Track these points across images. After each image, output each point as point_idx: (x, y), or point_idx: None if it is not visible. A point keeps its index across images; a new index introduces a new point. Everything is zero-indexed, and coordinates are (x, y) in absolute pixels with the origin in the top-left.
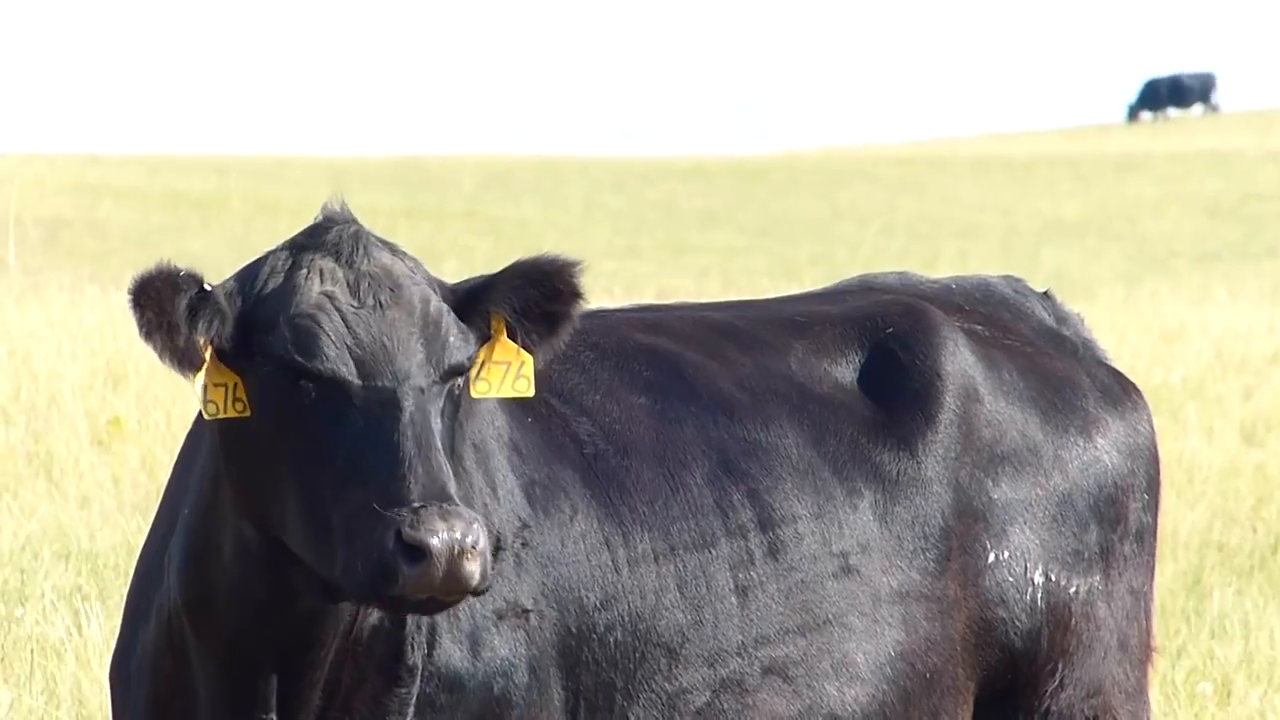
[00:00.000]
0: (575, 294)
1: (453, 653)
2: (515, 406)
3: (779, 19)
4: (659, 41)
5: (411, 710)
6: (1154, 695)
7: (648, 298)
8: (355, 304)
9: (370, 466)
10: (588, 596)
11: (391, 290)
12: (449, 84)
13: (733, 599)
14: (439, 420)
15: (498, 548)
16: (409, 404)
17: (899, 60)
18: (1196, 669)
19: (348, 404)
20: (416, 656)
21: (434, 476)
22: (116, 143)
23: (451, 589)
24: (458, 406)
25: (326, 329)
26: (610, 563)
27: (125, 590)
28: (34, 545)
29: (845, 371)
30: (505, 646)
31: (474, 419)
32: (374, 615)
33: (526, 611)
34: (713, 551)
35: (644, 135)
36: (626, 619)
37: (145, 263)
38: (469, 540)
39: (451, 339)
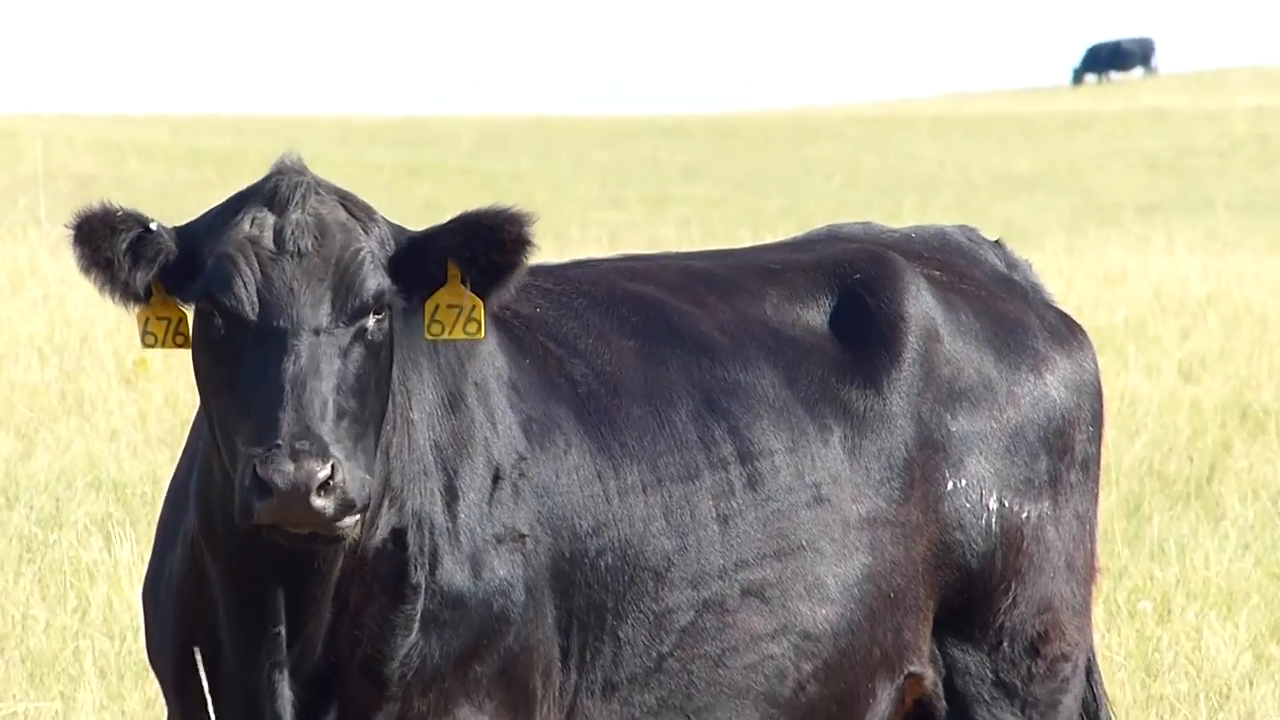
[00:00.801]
0: (521, 243)
1: (455, 573)
2: (514, 349)
3: None
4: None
5: (417, 625)
6: (1098, 612)
7: (633, 247)
8: (274, 250)
9: (252, 403)
10: (580, 524)
11: (316, 238)
12: (450, 46)
13: (714, 526)
14: (338, 360)
15: (495, 478)
16: (299, 347)
17: (864, 24)
18: (1137, 588)
19: (247, 341)
20: (420, 576)
21: (302, 417)
22: (141, 103)
23: (302, 521)
24: (379, 348)
25: (241, 269)
26: (601, 493)
27: (152, 517)
28: (67, 475)
29: (816, 315)
30: (504, 568)
31: (475, 360)
32: (378, 537)
33: (523, 536)
34: (696, 483)
35: (630, 91)
36: (616, 545)
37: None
38: (319, 478)
39: (366, 282)
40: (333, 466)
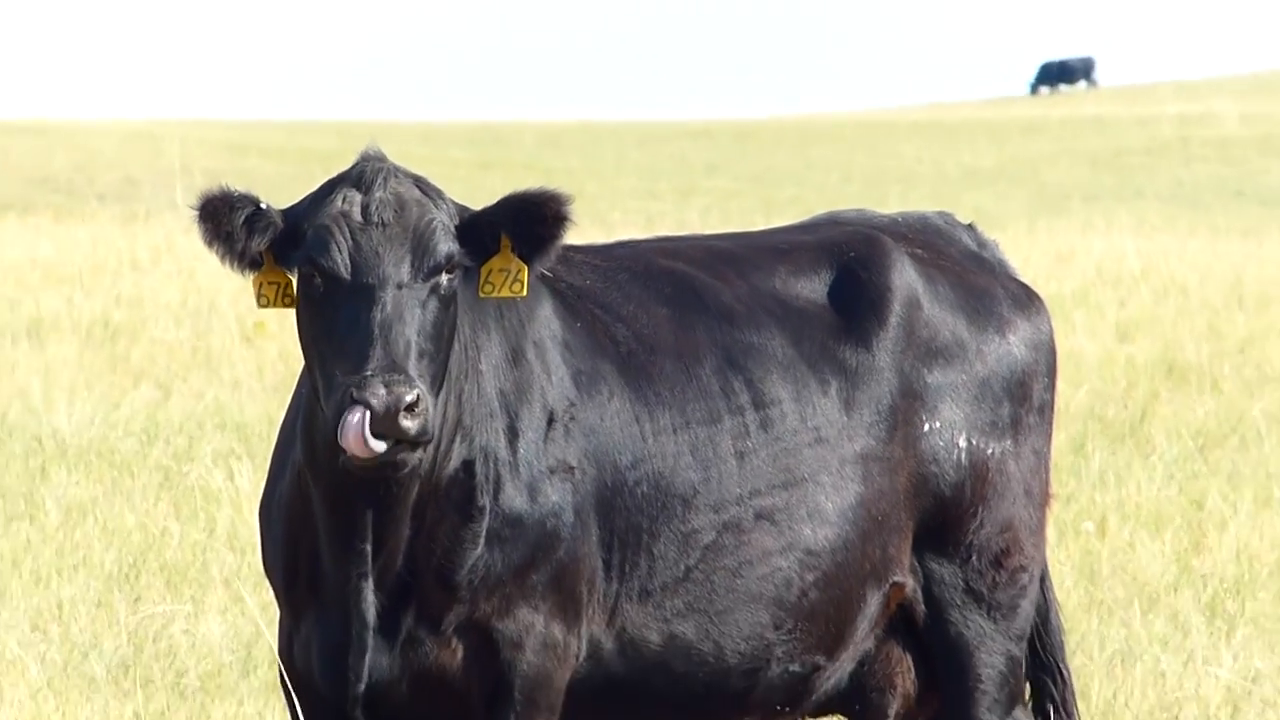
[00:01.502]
0: (561, 219)
1: (515, 498)
2: (567, 314)
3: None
4: (675, 16)
5: (482, 541)
6: (1049, 531)
7: (665, 230)
8: (362, 221)
9: (347, 344)
10: (620, 458)
11: (395, 211)
12: (514, 58)
13: (732, 461)
14: (418, 310)
15: (550, 420)
16: (384, 299)
17: (860, 44)
18: (1082, 511)
19: (341, 296)
20: (485, 500)
21: (389, 353)
22: (259, 109)
23: (398, 436)
24: (450, 301)
25: (335, 238)
26: (638, 433)
27: (267, 452)
28: (198, 418)
29: (817, 287)
30: (556, 494)
31: (534, 323)
32: (450, 466)
33: (572, 469)
34: (717, 426)
35: (663, 97)
36: (650, 476)
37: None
38: (407, 400)
39: (438, 246)
40: (418, 393)
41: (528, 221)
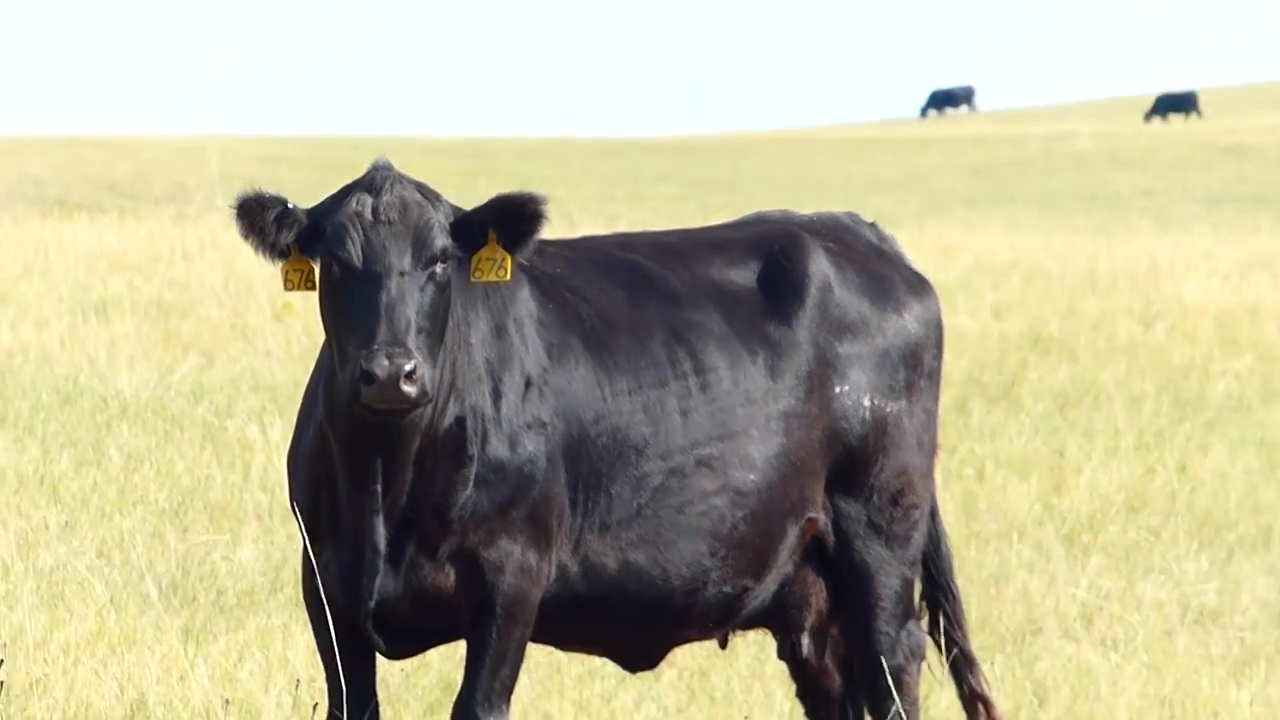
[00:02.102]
0: (537, 215)
1: (498, 448)
2: (542, 297)
3: (713, 30)
4: (631, 50)
5: (471, 484)
6: (937, 475)
7: (621, 228)
8: (372, 220)
9: (359, 322)
10: (585, 416)
11: (400, 212)
12: (498, 84)
13: (677, 418)
14: (418, 294)
15: (527, 384)
16: (390, 284)
17: (780, 71)
18: (963, 459)
19: (354, 281)
20: (474, 449)
21: (393, 330)
22: (286, 126)
23: (394, 400)
24: (445, 286)
25: (350, 233)
26: (600, 395)
27: (294, 410)
28: (236, 381)
29: (747, 274)
30: (532, 445)
31: (515, 304)
32: (445, 422)
33: (545, 424)
34: (665, 388)
35: (622, 118)
36: (610, 430)
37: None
38: (406, 369)
39: (435, 241)
40: (415, 364)
41: (511, 218)
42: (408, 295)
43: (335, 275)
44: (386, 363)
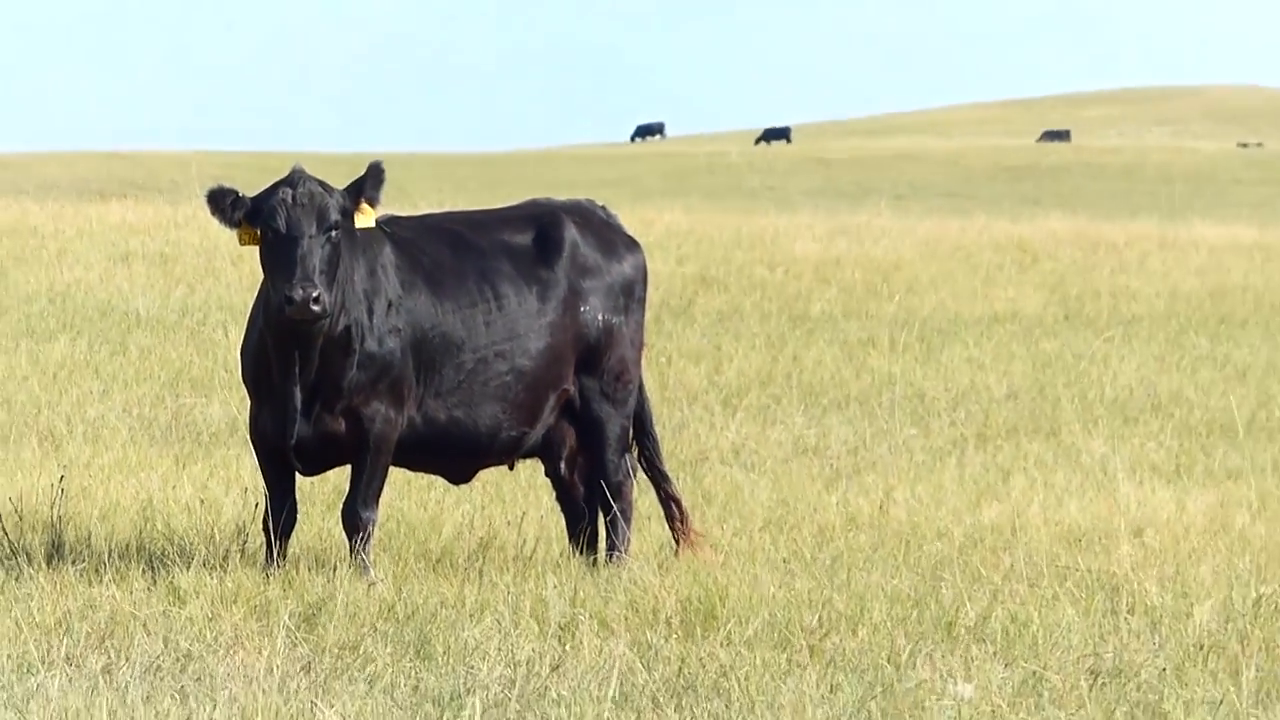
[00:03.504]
0: (380, 181)
1: (371, 344)
2: (398, 251)
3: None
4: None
5: (355, 366)
6: (643, 363)
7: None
8: (292, 203)
9: (284, 266)
10: (425, 325)
11: (309, 198)
12: (379, 107)
13: (483, 327)
14: (319, 249)
15: (389, 305)
16: (303, 243)
17: (543, 102)
18: (659, 352)
19: (281, 241)
20: (356, 345)
21: (306, 272)
22: (241, 144)
23: (306, 315)
24: (337, 245)
25: (278, 211)
26: (435, 312)
27: (246, 320)
28: (208, 303)
29: (526, 238)
30: (392, 343)
31: (382, 255)
32: (339, 328)
33: (400, 330)
34: (475, 308)
35: (456, 139)
36: (440, 334)
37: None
38: (313, 296)
39: (330, 215)
40: (319, 293)
41: (370, 190)
42: (314, 250)
43: (270, 238)
44: (301, 292)
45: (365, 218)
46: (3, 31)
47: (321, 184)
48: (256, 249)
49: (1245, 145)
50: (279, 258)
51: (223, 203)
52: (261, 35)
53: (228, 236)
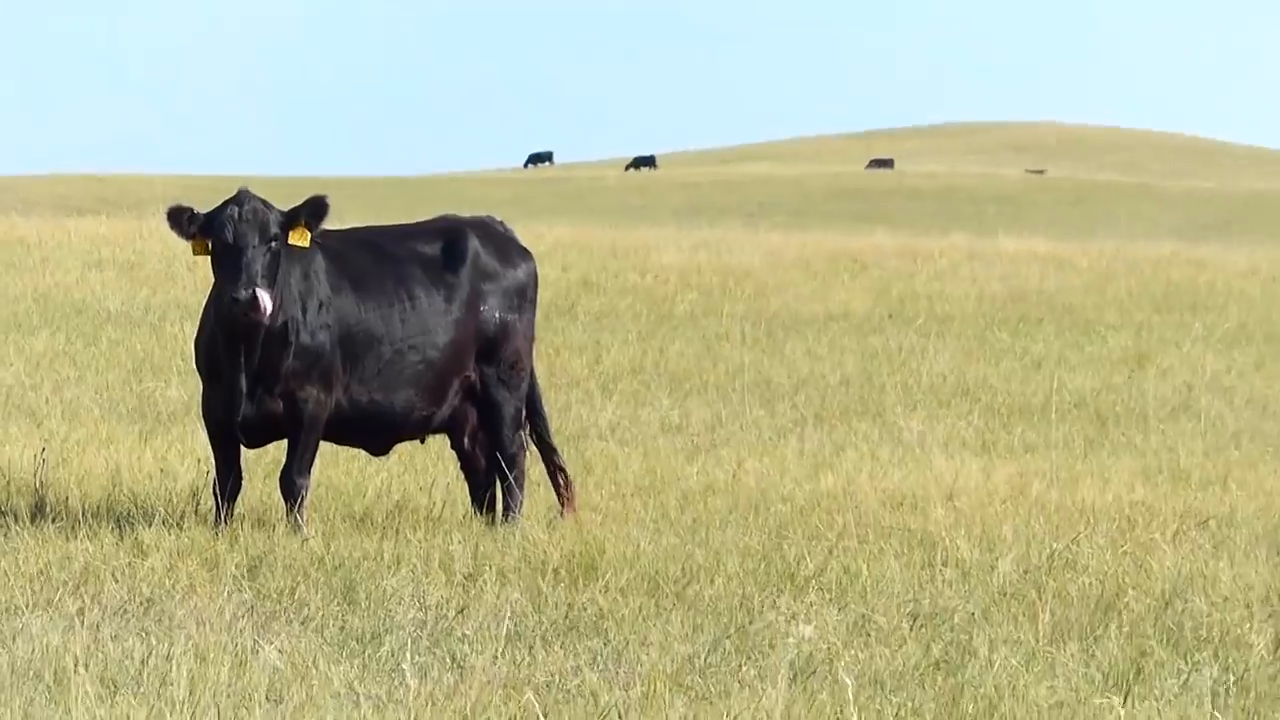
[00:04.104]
0: (322, 214)
1: (305, 338)
2: (329, 259)
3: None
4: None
5: (292, 355)
6: (534, 354)
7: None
8: (237, 218)
9: (231, 272)
10: (350, 321)
11: (252, 215)
12: (311, 135)
13: (399, 323)
14: (261, 258)
15: (320, 305)
16: (247, 253)
17: (440, 133)
18: (548, 345)
19: (229, 251)
20: (293, 339)
21: (250, 277)
22: (238, 167)
23: (250, 314)
24: (276, 254)
25: (226, 224)
26: (358, 311)
27: (199, 317)
28: (167, 303)
29: (435, 248)
30: (323, 336)
31: (315, 264)
32: (278, 324)
33: (330, 326)
34: (392, 308)
35: (380, 158)
36: (363, 330)
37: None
38: (258, 300)
39: (271, 229)
40: (261, 295)
41: (309, 216)
42: (256, 258)
43: (219, 248)
44: (245, 293)
45: (301, 239)
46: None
47: (264, 202)
48: (208, 258)
49: (1031, 171)
50: (227, 265)
51: (180, 218)
52: (216, 75)
53: (184, 247)
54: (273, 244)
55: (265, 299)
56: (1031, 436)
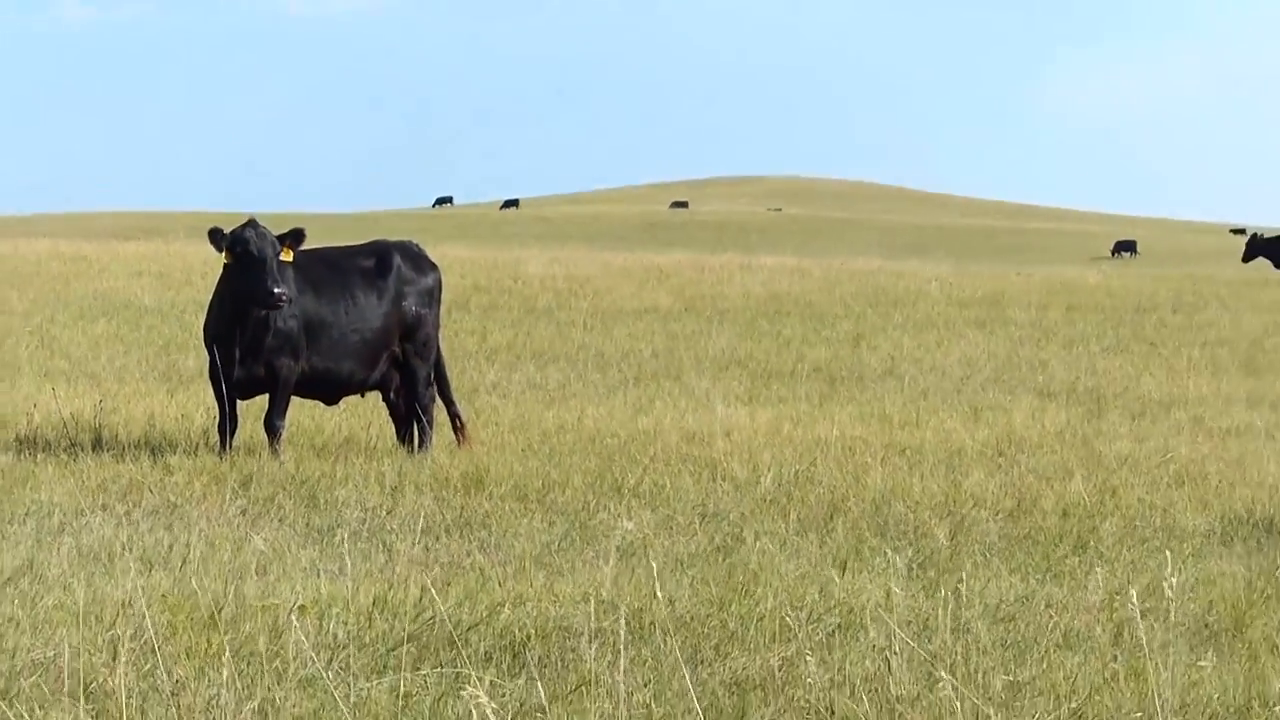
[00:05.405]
0: (301, 240)
1: (280, 324)
2: (295, 269)
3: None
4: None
5: (271, 337)
6: (441, 336)
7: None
8: (256, 238)
9: (261, 274)
10: (311, 314)
11: (265, 234)
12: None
13: (345, 315)
14: (277, 264)
15: (290, 302)
16: (270, 264)
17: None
18: (455, 330)
19: (254, 260)
20: (273, 324)
21: (276, 278)
22: (228, 205)
23: (280, 302)
24: (285, 266)
25: (247, 241)
26: (316, 306)
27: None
28: (188, 301)
29: (371, 263)
30: (293, 323)
31: (295, 278)
32: (261, 312)
33: (297, 317)
34: (340, 305)
35: (324, 197)
36: (322, 320)
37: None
38: (280, 290)
39: (277, 247)
40: (284, 291)
41: (291, 241)
42: (275, 265)
43: (249, 259)
44: (279, 289)
45: (286, 256)
46: (81, 122)
47: (263, 227)
48: (222, 265)
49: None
50: (255, 270)
51: (217, 236)
52: (202, 125)
53: (200, 260)
54: (283, 256)
55: (286, 292)
56: (783, 392)
